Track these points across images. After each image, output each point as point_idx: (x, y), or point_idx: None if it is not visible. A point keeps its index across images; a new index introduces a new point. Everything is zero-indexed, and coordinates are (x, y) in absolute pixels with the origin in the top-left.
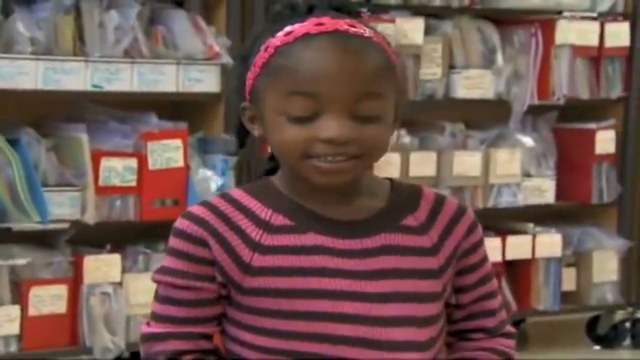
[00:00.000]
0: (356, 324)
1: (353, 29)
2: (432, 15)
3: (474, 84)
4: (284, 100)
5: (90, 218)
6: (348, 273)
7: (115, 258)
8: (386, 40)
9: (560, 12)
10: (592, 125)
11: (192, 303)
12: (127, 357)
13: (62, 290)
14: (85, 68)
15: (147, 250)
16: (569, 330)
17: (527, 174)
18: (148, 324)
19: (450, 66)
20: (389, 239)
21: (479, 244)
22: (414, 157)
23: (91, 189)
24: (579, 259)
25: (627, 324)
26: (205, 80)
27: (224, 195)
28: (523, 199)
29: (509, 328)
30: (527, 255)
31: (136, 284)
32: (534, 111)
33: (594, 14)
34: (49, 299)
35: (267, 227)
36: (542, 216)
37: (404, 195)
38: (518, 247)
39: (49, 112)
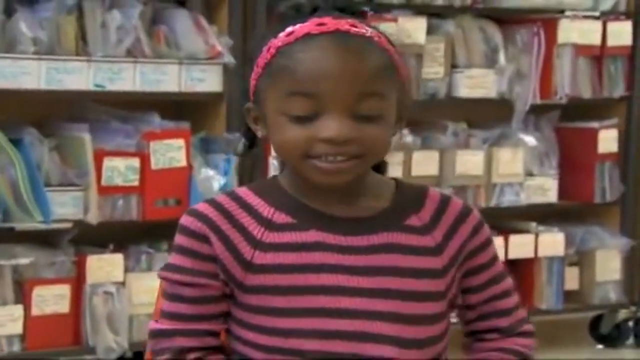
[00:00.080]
0: (352, 318)
1: (354, 29)
2: (434, 14)
3: (477, 83)
4: (285, 101)
5: (93, 218)
6: (347, 269)
7: (118, 258)
8: (389, 40)
9: (562, 11)
10: (594, 125)
11: (197, 300)
12: (130, 357)
13: (65, 289)
14: (87, 68)
15: (150, 250)
16: (572, 329)
17: (529, 173)
18: (156, 320)
19: (453, 65)
20: (391, 238)
21: (487, 243)
22: (417, 156)
23: (94, 188)
24: (581, 258)
25: (630, 323)
26: (207, 80)
27: (230, 193)
28: (526, 198)
29: (527, 327)
30: (529, 254)
31: (139, 283)
32: (536, 110)
33: (597, 13)
34: (52, 299)
35: (269, 224)
36: (544, 215)
37: (409, 195)
38: (521, 246)
39: (51, 112)
